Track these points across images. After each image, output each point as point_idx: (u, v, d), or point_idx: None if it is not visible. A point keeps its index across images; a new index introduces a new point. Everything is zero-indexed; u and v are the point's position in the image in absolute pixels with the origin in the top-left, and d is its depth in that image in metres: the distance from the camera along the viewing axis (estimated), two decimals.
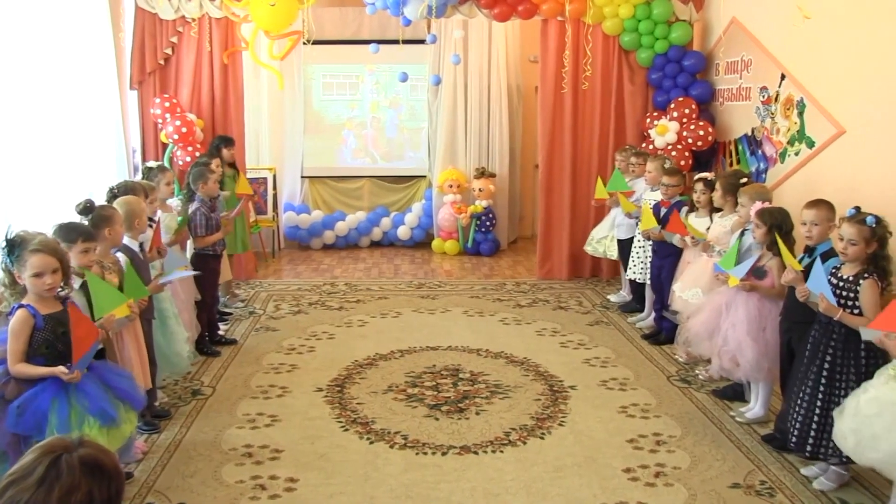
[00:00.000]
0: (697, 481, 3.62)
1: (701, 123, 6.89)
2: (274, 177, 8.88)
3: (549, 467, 3.75)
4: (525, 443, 4.02)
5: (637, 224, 5.96)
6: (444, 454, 3.89)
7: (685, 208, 5.40)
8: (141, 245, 4.16)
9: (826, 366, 3.46)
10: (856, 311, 3.38)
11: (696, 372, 5.05)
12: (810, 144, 5.36)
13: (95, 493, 1.41)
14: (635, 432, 4.15)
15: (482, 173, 9.07)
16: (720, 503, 3.44)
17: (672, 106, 7.07)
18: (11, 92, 5.05)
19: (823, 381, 3.46)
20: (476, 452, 3.91)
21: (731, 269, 4.17)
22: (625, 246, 6.36)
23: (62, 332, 3.04)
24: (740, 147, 6.50)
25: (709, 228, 5.01)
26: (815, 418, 3.45)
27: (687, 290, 4.82)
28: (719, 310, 4.27)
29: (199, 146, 7.26)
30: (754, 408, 4.34)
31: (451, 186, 9.05)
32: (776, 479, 3.65)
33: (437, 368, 5.13)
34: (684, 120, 6.96)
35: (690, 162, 6.98)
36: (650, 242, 5.72)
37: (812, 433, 3.46)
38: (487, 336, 5.86)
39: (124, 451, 3.48)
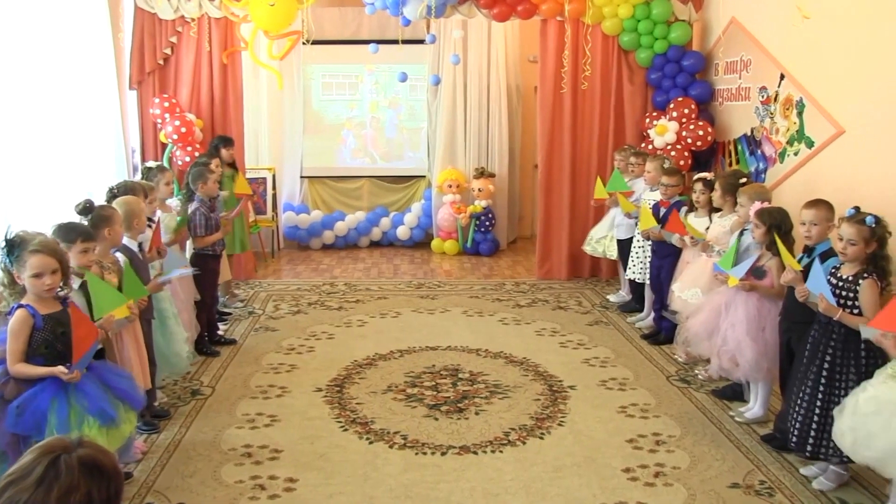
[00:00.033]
0: (697, 481, 3.62)
1: (700, 123, 6.89)
2: (273, 177, 8.88)
3: (549, 467, 3.76)
4: (524, 443, 4.03)
5: (636, 224, 5.96)
6: (443, 454, 3.89)
7: (684, 208, 5.40)
8: (140, 245, 4.16)
9: (826, 366, 3.46)
10: (855, 311, 3.38)
11: (696, 372, 5.05)
12: (809, 144, 5.36)
13: (94, 493, 1.41)
14: (635, 432, 4.15)
15: (481, 173, 9.07)
16: (719, 503, 3.44)
17: (671, 106, 7.08)
18: (11, 92, 5.05)
19: (823, 380, 3.46)
20: (475, 452, 3.91)
21: (731, 269, 4.17)
22: (624, 246, 6.36)
23: (61, 332, 3.04)
24: (739, 147, 6.50)
25: (708, 228, 5.01)
26: (815, 418, 3.46)
27: (686, 290, 4.82)
28: (718, 310, 4.27)
29: (198, 146, 7.26)
30: (753, 408, 4.34)
31: (450, 186, 9.05)
32: (775, 479, 3.65)
33: (437, 368, 5.13)
34: (683, 120, 6.96)
35: (690, 162, 6.98)
36: (649, 242, 5.72)
37: (812, 433, 3.46)
38: (487, 336, 5.86)
39: (124, 451, 3.49)
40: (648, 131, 7.20)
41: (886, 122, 4.55)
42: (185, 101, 7.42)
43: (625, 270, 6.45)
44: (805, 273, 3.63)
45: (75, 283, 3.34)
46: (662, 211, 5.51)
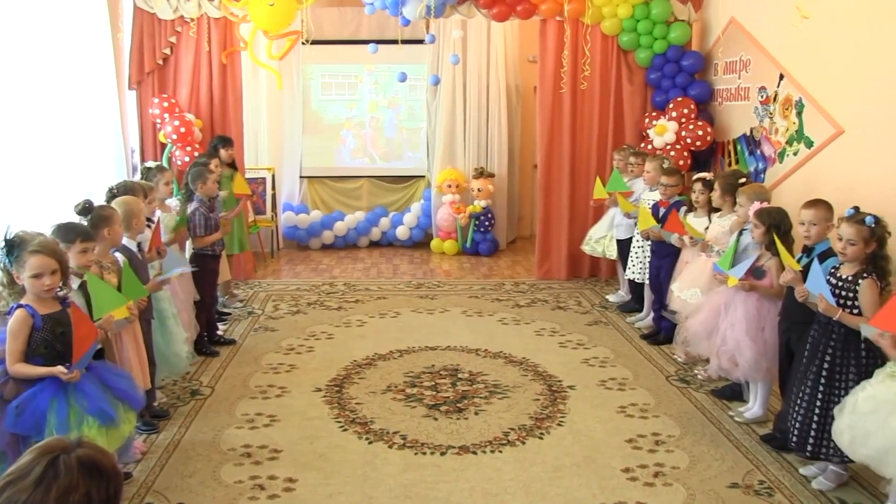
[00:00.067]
0: (696, 481, 3.62)
1: (699, 123, 6.89)
2: (273, 177, 8.88)
3: (548, 467, 3.76)
4: (524, 443, 4.02)
5: (636, 224, 5.96)
6: (442, 454, 3.89)
7: (683, 208, 5.40)
8: (139, 245, 4.16)
9: (826, 366, 3.46)
10: (855, 311, 3.38)
11: (695, 372, 5.05)
12: (809, 144, 5.36)
13: (93, 493, 1.41)
14: (634, 432, 4.16)
15: (481, 173, 9.07)
16: (719, 503, 3.44)
17: (671, 106, 7.08)
18: (10, 92, 5.05)
19: (823, 380, 3.46)
20: (475, 452, 3.91)
21: (730, 268, 4.17)
22: (624, 246, 6.36)
23: (61, 333, 3.04)
24: (739, 147, 6.50)
25: (707, 228, 5.01)
26: (815, 418, 3.46)
27: (685, 289, 4.82)
28: (718, 309, 4.27)
29: (197, 146, 7.26)
30: (753, 408, 4.34)
31: (449, 186, 9.05)
32: (775, 479, 3.65)
33: (436, 368, 5.13)
34: (683, 120, 6.96)
35: (689, 162, 6.98)
36: (649, 242, 5.72)
37: (812, 433, 3.47)
38: (486, 336, 5.86)
39: (123, 452, 3.49)
40: (648, 131, 7.20)
41: (886, 122, 4.55)
42: (185, 101, 7.42)
43: (624, 270, 6.45)
44: (804, 273, 3.63)
45: (75, 283, 3.34)
46: (662, 211, 5.51)
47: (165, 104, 7.25)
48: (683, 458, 3.86)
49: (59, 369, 2.97)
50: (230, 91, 7.51)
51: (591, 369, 5.16)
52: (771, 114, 5.92)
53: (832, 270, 3.54)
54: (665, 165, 5.89)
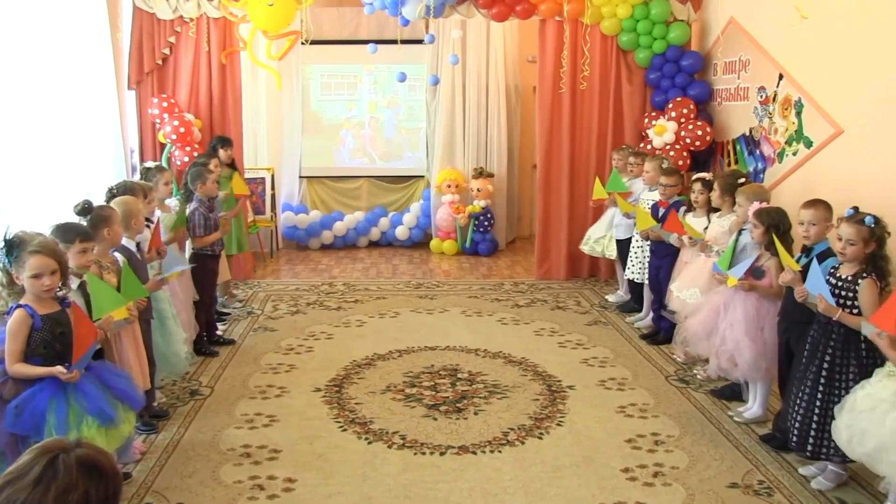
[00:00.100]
0: (695, 481, 3.62)
1: (699, 123, 6.89)
2: (272, 177, 8.88)
3: (548, 467, 3.76)
4: (523, 443, 4.02)
5: (635, 224, 5.95)
6: (442, 454, 3.89)
7: (683, 208, 5.40)
8: (138, 245, 4.15)
9: (825, 366, 3.46)
10: (854, 311, 3.38)
11: (695, 372, 5.05)
12: (808, 144, 5.36)
13: (92, 493, 1.41)
14: (633, 432, 4.16)
15: (480, 173, 9.07)
16: (718, 503, 3.44)
17: (670, 106, 7.08)
18: (10, 92, 5.05)
19: (823, 380, 3.46)
20: (474, 452, 3.91)
21: (729, 268, 4.17)
22: (623, 246, 6.36)
23: (60, 333, 3.04)
24: (738, 147, 6.51)
25: (706, 228, 5.01)
26: (815, 418, 3.46)
27: (685, 289, 4.82)
28: (717, 309, 4.27)
29: (197, 146, 7.26)
30: (752, 407, 4.35)
31: (449, 186, 9.05)
32: (774, 479, 3.65)
33: (436, 368, 5.13)
34: (682, 120, 6.96)
35: (688, 162, 6.98)
36: (648, 242, 5.73)
37: (812, 433, 3.47)
38: (486, 336, 5.86)
39: (122, 452, 3.49)
40: (647, 131, 7.20)
41: (885, 122, 4.55)
42: (184, 101, 7.42)
43: (623, 270, 6.45)
44: (804, 273, 3.63)
45: (74, 283, 3.34)
46: (661, 211, 5.51)
47: (165, 104, 7.25)
48: (683, 458, 3.86)
49: (59, 369, 2.97)
50: (229, 91, 7.51)
51: (590, 369, 5.16)
52: (770, 114, 5.92)
53: (832, 270, 3.55)
54: (664, 165, 5.89)
